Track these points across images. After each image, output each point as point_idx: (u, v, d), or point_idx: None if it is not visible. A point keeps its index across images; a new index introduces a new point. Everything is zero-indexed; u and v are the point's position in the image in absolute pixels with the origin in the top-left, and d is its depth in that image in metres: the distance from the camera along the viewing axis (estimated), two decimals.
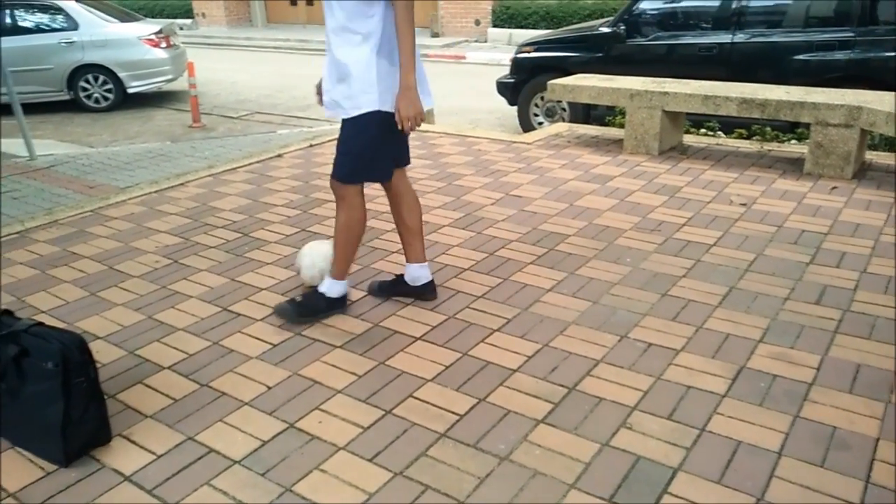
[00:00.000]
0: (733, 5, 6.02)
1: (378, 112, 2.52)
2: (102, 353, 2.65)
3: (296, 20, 18.70)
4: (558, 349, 2.58)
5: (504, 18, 14.38)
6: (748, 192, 4.13)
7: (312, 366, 2.52)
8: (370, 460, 2.04)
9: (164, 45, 9.75)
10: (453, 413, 2.24)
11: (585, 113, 6.60)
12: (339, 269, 2.82)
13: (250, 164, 5.05)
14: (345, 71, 2.51)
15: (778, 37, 5.87)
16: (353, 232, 2.75)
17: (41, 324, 2.09)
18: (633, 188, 4.25)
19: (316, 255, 3.02)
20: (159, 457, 2.08)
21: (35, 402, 2.02)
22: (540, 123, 7.02)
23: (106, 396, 2.33)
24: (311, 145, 5.54)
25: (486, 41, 14.47)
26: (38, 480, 1.99)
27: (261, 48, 16.18)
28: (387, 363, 2.52)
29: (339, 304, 2.87)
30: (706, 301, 2.89)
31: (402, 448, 2.09)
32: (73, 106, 9.50)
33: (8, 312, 2.14)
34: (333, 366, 2.52)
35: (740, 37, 5.96)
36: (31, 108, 9.10)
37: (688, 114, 5.05)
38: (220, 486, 1.96)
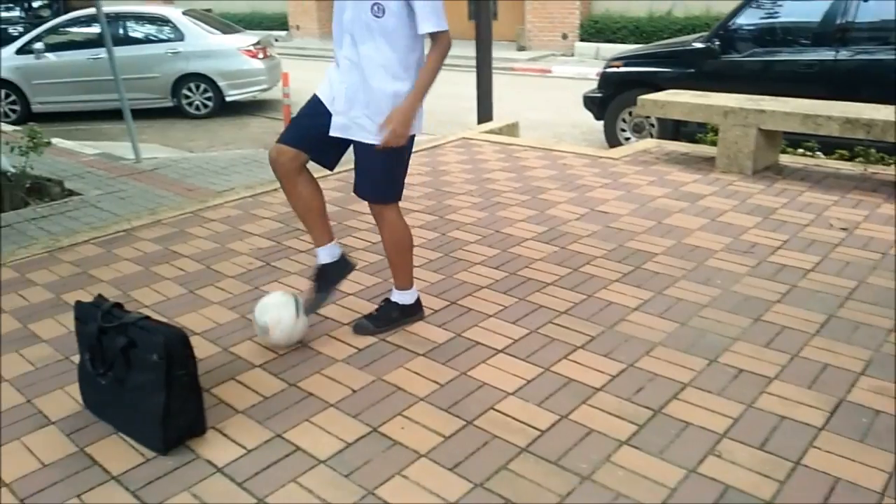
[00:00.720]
0: (837, 21, 5.77)
1: (413, 136, 2.66)
2: (199, 348, 2.75)
3: None
4: (644, 370, 2.53)
5: (592, 33, 14.25)
6: (849, 217, 3.93)
7: (396, 372, 2.56)
8: (451, 469, 2.05)
9: (261, 55, 10.17)
10: (535, 428, 2.23)
11: (674, 129, 6.46)
12: (406, 278, 2.86)
13: (339, 172, 5.19)
14: (381, 100, 2.54)
15: (884, 54, 5.58)
16: (406, 244, 2.82)
17: (148, 318, 2.21)
18: (725, 208, 4.13)
19: (269, 311, 2.70)
20: (249, 451, 2.16)
21: (139, 391, 2.14)
22: (627, 139, 6.92)
23: (203, 390, 2.45)
24: None
25: (572, 55, 14.37)
26: (138, 466, 2.11)
27: None
28: (468, 374, 2.54)
29: (414, 311, 2.91)
30: (802, 328, 2.77)
31: (483, 460, 2.09)
32: (175, 112, 10.02)
33: (118, 305, 2.28)
34: (416, 373, 2.55)
35: (844, 54, 5.70)
36: (136, 114, 9.66)
37: (785, 133, 4.87)
38: (306, 483, 2.02)
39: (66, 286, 3.38)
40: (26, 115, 9.82)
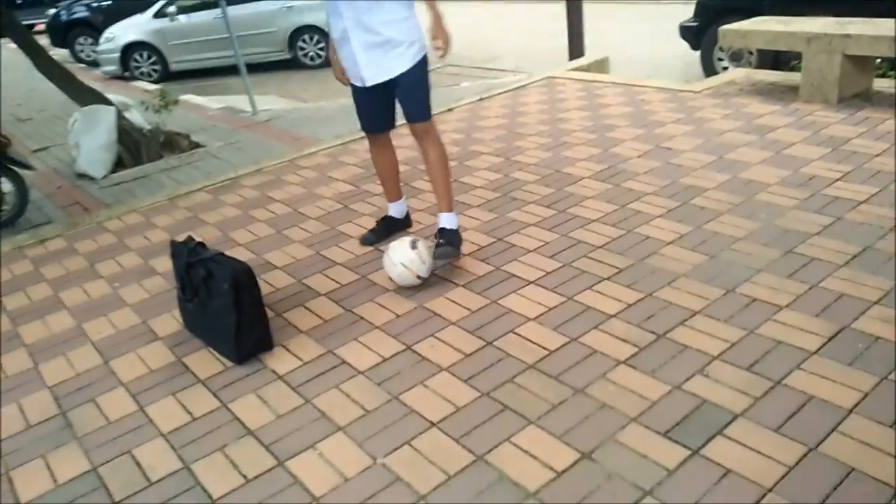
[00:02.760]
0: None
1: (426, 55, 3.04)
2: (279, 280, 3.27)
3: None
4: (660, 299, 2.72)
5: None
6: None
7: (436, 300, 2.92)
8: (465, 381, 2.40)
9: None
10: (545, 349, 2.52)
11: (774, 57, 6.19)
12: (451, 198, 3.20)
13: None
14: (392, 41, 2.92)
15: None
16: (447, 159, 3.22)
17: (222, 254, 2.70)
18: (795, 140, 4.06)
19: (400, 258, 2.97)
20: (305, 363, 2.61)
21: (217, 313, 2.64)
22: (725, 69, 6.70)
23: (275, 314, 2.95)
24: (480, 99, 5.88)
25: None
26: (219, 373, 2.62)
27: None
28: (498, 302, 2.85)
29: None
30: (832, 260, 2.82)
31: (494, 374, 2.42)
32: (293, 64, 10.69)
33: (201, 244, 2.78)
34: (453, 301, 2.90)
35: None
36: (258, 67, 10.44)
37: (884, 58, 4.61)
38: (344, 389, 2.44)
39: (180, 228, 3.99)
40: (166, 74, 10.89)
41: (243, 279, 2.58)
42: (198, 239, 2.84)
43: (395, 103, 3.14)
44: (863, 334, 2.37)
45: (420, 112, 3.09)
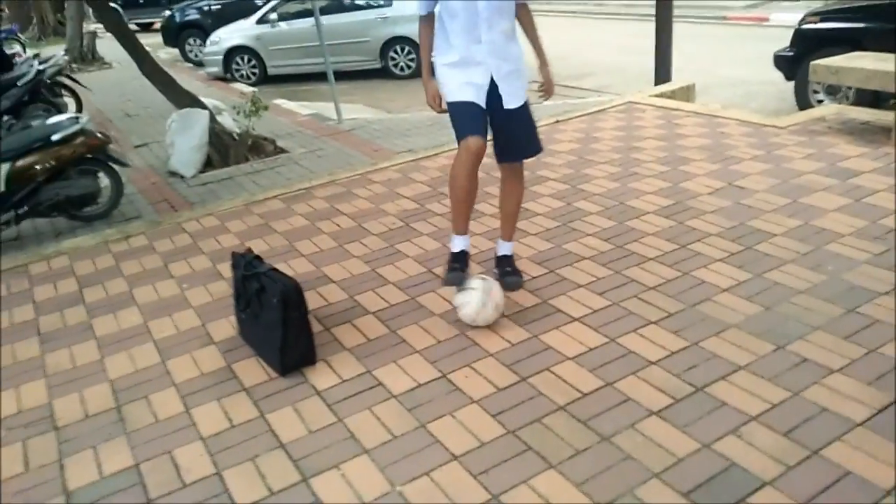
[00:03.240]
0: None
1: None
2: (332, 294, 3.38)
3: None
4: (705, 349, 2.65)
5: None
6: None
7: (478, 329, 2.94)
8: (493, 416, 2.42)
9: None
10: (578, 391, 2.50)
11: (874, 93, 5.86)
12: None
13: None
14: (521, 65, 2.96)
15: None
16: None
17: (275, 269, 2.82)
18: (879, 188, 3.85)
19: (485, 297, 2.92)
20: (343, 381, 2.70)
21: (266, 325, 2.76)
22: (820, 101, 6.40)
23: (324, 329, 3.05)
24: (556, 121, 5.86)
25: (798, 0, 13.04)
26: (263, 382, 2.74)
27: (559, 13, 16.56)
28: (539, 337, 2.85)
29: None
30: None
31: (523, 412, 2.43)
32: (383, 73, 10.94)
33: (258, 258, 2.91)
34: (495, 332, 2.91)
35: None
36: (350, 75, 10.75)
37: None
38: (376, 411, 2.51)
39: (251, 234, 4.19)
40: (263, 77, 11.37)
41: (292, 296, 2.69)
42: (257, 251, 2.98)
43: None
44: None
45: (535, 147, 3.10)
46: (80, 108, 8.75)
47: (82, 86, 8.77)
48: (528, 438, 2.30)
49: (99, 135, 5.24)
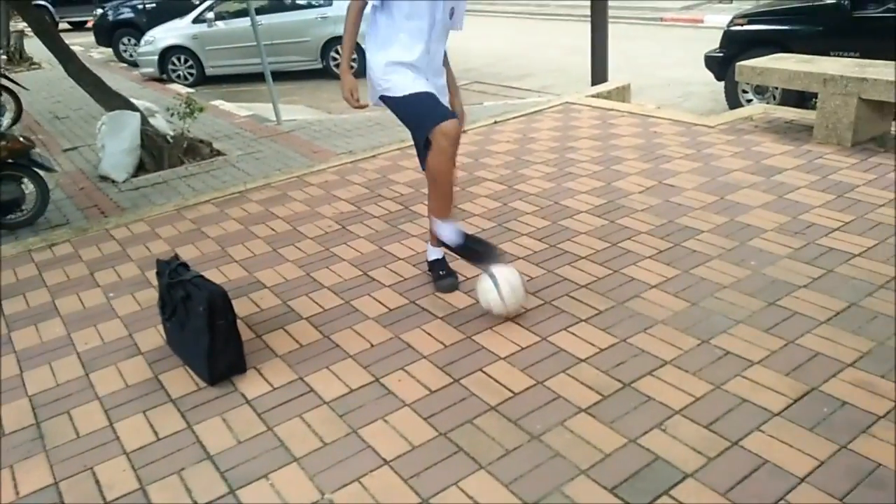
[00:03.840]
0: None
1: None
2: (265, 300, 3.32)
3: None
4: (633, 346, 2.70)
5: None
6: None
7: (413, 332, 2.94)
8: (425, 419, 2.41)
9: None
10: (510, 390, 2.51)
11: (799, 93, 6.07)
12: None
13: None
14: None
15: None
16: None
17: (201, 276, 2.76)
18: (800, 184, 3.99)
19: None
20: (274, 389, 2.65)
21: (193, 334, 2.70)
22: (749, 101, 6.61)
23: (255, 336, 3.00)
24: (494, 122, 5.89)
25: (731, 2, 13.46)
26: (191, 393, 2.68)
27: (502, 13, 16.69)
28: (473, 338, 2.85)
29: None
30: (814, 315, 2.77)
31: (455, 413, 2.43)
32: (325, 73, 10.83)
33: (184, 265, 2.84)
34: (429, 334, 2.91)
35: None
36: (291, 76, 10.62)
37: None
38: (307, 418, 2.47)
39: (182, 240, 4.08)
40: (201, 78, 11.13)
41: (218, 303, 2.63)
42: (188, 257, 2.91)
43: None
44: (830, 398, 2.32)
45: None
46: (19, 109, 8.41)
47: (20, 86, 8.39)
48: (459, 440, 2.30)
49: (21, 139, 5.04)
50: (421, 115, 2.90)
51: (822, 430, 2.18)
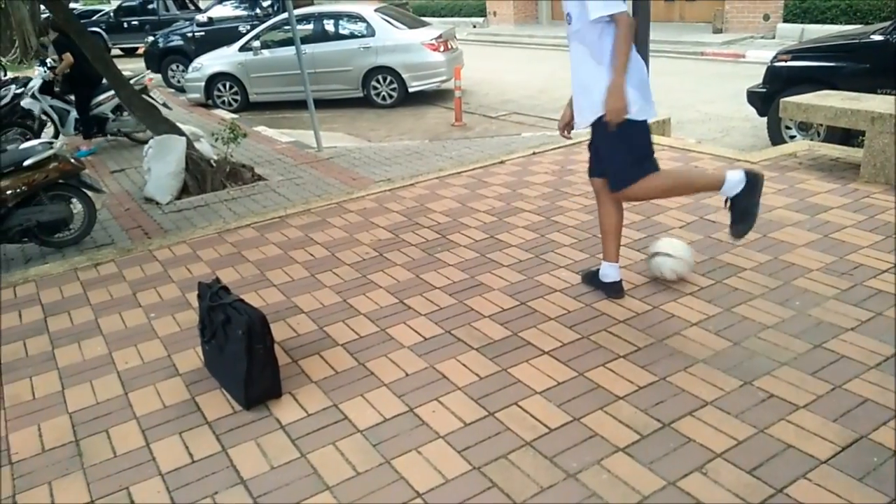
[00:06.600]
0: None
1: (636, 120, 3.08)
2: (302, 325, 3.34)
3: None
4: (673, 385, 2.65)
5: (797, 13, 13.11)
6: None
7: (447, 362, 2.92)
8: (459, 452, 2.39)
9: (442, 48, 10.78)
10: (545, 426, 2.48)
11: (844, 130, 5.97)
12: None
13: (474, 168, 5.58)
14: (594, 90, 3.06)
15: None
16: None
17: (241, 299, 2.79)
18: (847, 223, 3.90)
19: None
20: (309, 415, 2.65)
21: (231, 358, 2.72)
22: (792, 137, 6.52)
23: (291, 361, 3.01)
24: (533, 153, 5.90)
25: (773, 37, 13.35)
26: (226, 416, 2.69)
27: (541, 46, 16.80)
28: (508, 370, 2.83)
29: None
30: (862, 360, 2.68)
31: (490, 447, 2.40)
32: (365, 102, 10.99)
33: (224, 288, 2.88)
34: (464, 365, 2.89)
35: None
36: (332, 104, 10.80)
37: None
38: (340, 446, 2.46)
39: (222, 263, 4.15)
40: (245, 104, 11.38)
41: (257, 328, 2.65)
42: (228, 280, 2.95)
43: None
44: (880, 447, 2.23)
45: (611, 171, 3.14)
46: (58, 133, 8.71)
47: (64, 108, 8.68)
48: (493, 475, 2.26)
49: (72, 160, 5.20)
50: (645, 149, 3.09)
51: (871, 481, 2.10)
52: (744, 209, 3.08)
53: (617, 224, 3.29)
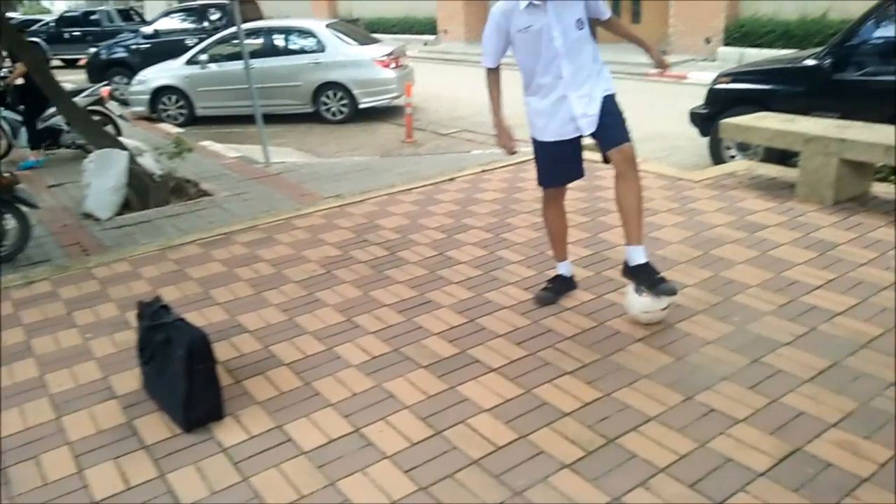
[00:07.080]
0: None
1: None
2: (246, 344, 3.27)
3: None
4: (618, 400, 2.68)
5: (737, 37, 13.58)
6: None
7: (396, 381, 2.89)
8: (406, 472, 2.36)
9: (393, 65, 10.80)
10: (492, 444, 2.47)
11: (781, 151, 6.19)
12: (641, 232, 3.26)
13: (424, 185, 5.59)
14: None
15: None
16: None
17: (182, 319, 2.72)
18: (784, 241, 4.03)
19: (640, 308, 3.19)
20: (252, 437, 2.59)
21: (172, 379, 2.64)
22: (733, 157, 6.72)
23: (234, 381, 2.94)
24: (483, 171, 5.94)
25: (714, 60, 13.80)
26: (166, 440, 2.61)
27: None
28: (456, 388, 2.82)
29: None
30: (797, 373, 2.76)
31: (437, 467, 2.38)
32: (315, 118, 10.92)
33: (165, 307, 2.80)
34: (412, 383, 2.87)
35: None
36: (282, 119, 10.69)
37: None
38: (284, 469, 2.41)
39: (164, 281, 4.04)
40: (192, 118, 11.18)
41: (198, 348, 2.59)
42: (170, 299, 2.87)
43: (581, 151, 3.45)
44: (814, 458, 2.30)
45: (626, 133, 3.22)
46: (9, 145, 8.38)
47: (17, 119, 8.36)
48: (439, 495, 2.24)
49: (6, 174, 5.01)
50: None
51: (807, 492, 2.16)
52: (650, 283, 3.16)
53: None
